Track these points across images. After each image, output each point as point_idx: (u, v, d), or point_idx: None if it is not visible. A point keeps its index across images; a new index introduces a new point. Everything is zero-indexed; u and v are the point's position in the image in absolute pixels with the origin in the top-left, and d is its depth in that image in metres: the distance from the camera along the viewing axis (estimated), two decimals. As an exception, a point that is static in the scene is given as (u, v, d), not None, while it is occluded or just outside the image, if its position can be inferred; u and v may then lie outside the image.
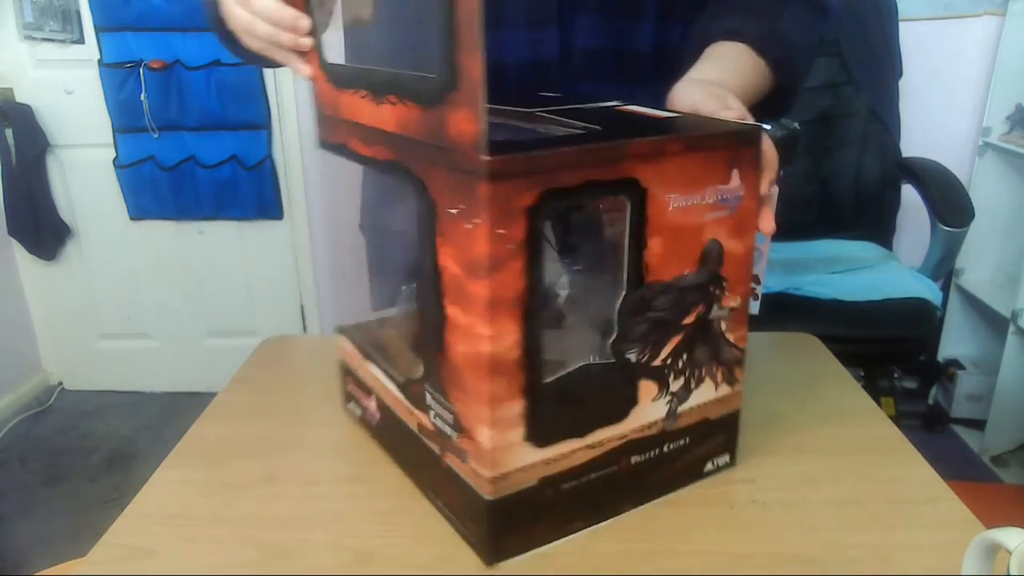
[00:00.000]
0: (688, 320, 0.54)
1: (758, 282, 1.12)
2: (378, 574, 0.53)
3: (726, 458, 0.61)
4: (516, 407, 0.48)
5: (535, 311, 0.47)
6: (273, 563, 0.55)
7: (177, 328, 2.54)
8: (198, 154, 2.29)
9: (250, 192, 2.33)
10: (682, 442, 0.57)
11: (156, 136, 2.26)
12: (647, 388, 0.54)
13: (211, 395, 0.78)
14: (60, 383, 2.61)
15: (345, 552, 0.55)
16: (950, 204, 1.62)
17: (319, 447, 0.69)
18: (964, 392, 2.16)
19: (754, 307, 1.19)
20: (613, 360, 0.52)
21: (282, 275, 2.46)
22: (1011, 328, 1.90)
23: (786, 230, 1.38)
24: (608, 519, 0.57)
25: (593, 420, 0.53)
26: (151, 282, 2.49)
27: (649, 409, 0.55)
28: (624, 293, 0.51)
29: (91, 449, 2.26)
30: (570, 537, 0.55)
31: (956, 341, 2.25)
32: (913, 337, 1.60)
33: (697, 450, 0.59)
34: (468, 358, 0.48)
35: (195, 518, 0.60)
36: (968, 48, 2.06)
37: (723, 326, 0.56)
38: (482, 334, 0.46)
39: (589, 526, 0.56)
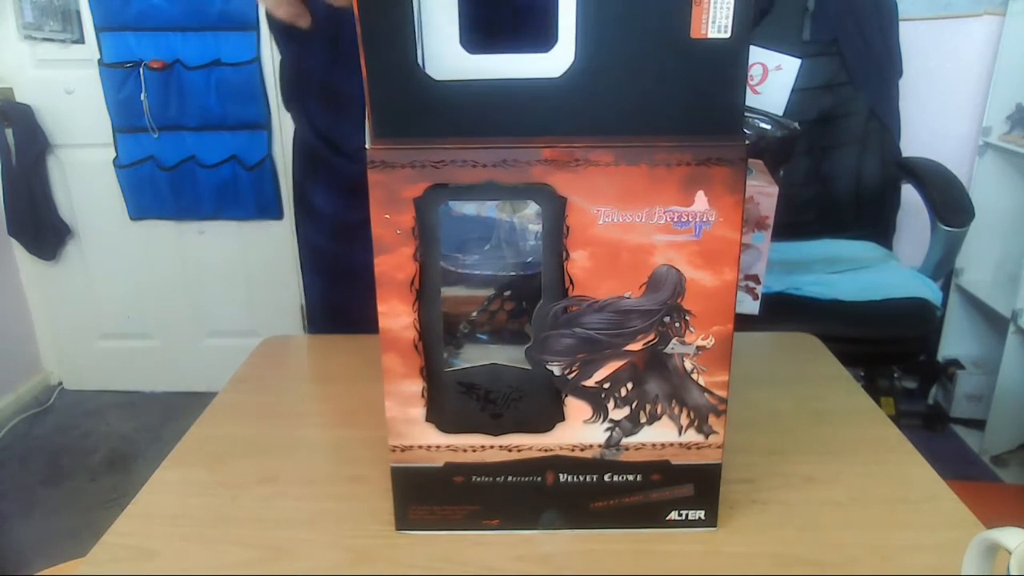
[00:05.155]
0: (632, 347, 0.51)
1: (758, 282, 1.12)
2: (378, 574, 0.53)
3: (699, 514, 0.56)
4: (414, 386, 0.52)
5: (432, 298, 0.50)
6: (273, 563, 0.55)
7: (177, 328, 2.53)
8: (198, 154, 2.29)
9: (250, 192, 2.33)
10: (631, 478, 0.55)
11: (156, 136, 2.26)
12: (577, 407, 0.53)
13: (211, 395, 0.78)
14: (60, 383, 2.61)
15: (345, 552, 0.55)
16: (950, 204, 1.62)
17: (319, 447, 0.69)
18: (964, 392, 2.16)
19: (754, 307, 1.19)
20: (528, 367, 0.52)
21: (282, 275, 2.46)
22: (1011, 328, 1.90)
23: (786, 230, 1.38)
24: (539, 530, 0.56)
25: (507, 423, 0.53)
26: (151, 282, 2.48)
27: (580, 430, 0.53)
28: (540, 302, 0.50)
29: (91, 449, 2.26)
30: (519, 531, 0.56)
31: (956, 341, 2.25)
32: (913, 337, 1.60)
33: (653, 492, 0.55)
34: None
35: (195, 518, 0.60)
36: (968, 48, 2.06)
37: (687, 365, 0.52)
38: (380, 309, 0.51)
39: (512, 529, 0.56)
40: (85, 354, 2.58)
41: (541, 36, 0.47)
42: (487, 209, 0.60)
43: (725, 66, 0.46)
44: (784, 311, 1.52)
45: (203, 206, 2.35)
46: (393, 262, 0.49)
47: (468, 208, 0.59)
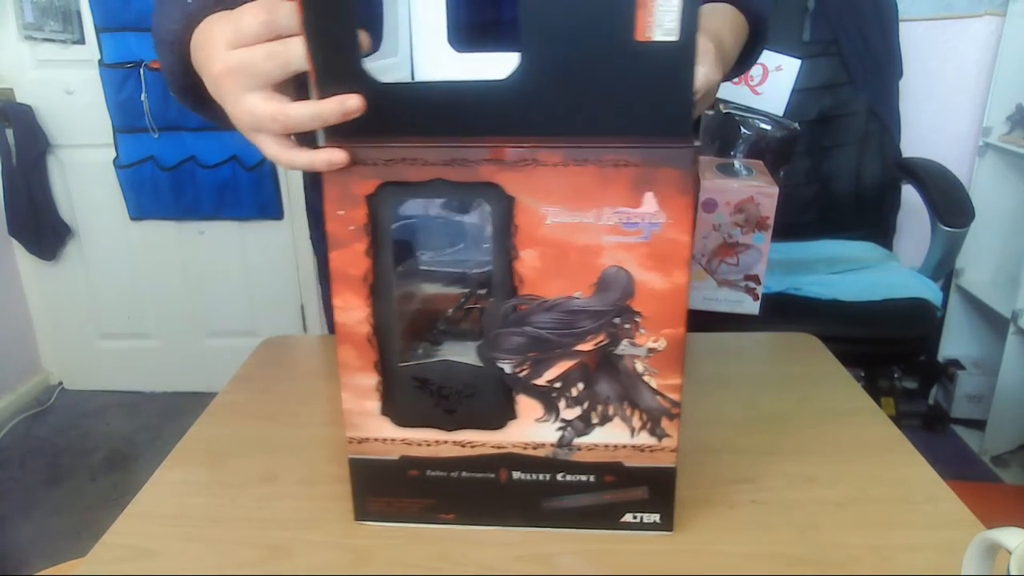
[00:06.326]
0: (583, 347, 0.51)
1: (758, 282, 1.12)
2: (378, 574, 0.53)
3: (655, 517, 0.56)
4: (369, 379, 0.54)
5: (385, 293, 0.51)
6: (273, 563, 0.55)
7: (177, 328, 2.53)
8: (198, 154, 2.29)
9: (250, 192, 2.33)
10: (583, 478, 0.55)
11: (156, 136, 2.26)
12: (528, 405, 0.53)
13: (211, 395, 0.78)
14: (60, 383, 2.61)
15: (345, 552, 0.55)
16: (950, 204, 1.62)
17: (319, 447, 0.69)
18: (964, 392, 2.16)
19: (754, 307, 1.19)
20: (480, 364, 0.52)
21: (282, 275, 2.46)
22: (1011, 328, 1.90)
23: (786, 230, 1.38)
24: (493, 525, 0.57)
25: (460, 419, 0.54)
26: (151, 282, 2.48)
27: (533, 428, 0.54)
28: (491, 300, 0.51)
29: (91, 449, 2.26)
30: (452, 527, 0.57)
31: (956, 341, 2.24)
32: (913, 337, 1.60)
33: (606, 493, 0.55)
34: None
35: (195, 518, 0.60)
36: (968, 48, 2.06)
37: (639, 367, 0.52)
38: (335, 303, 0.52)
39: (466, 524, 0.57)
40: (85, 354, 2.58)
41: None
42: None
43: (672, 69, 0.45)
44: (784, 311, 1.51)
45: (203, 206, 2.35)
46: (347, 257, 0.50)
47: (436, 208, 0.61)
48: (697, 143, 0.47)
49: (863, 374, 1.70)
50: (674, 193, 0.47)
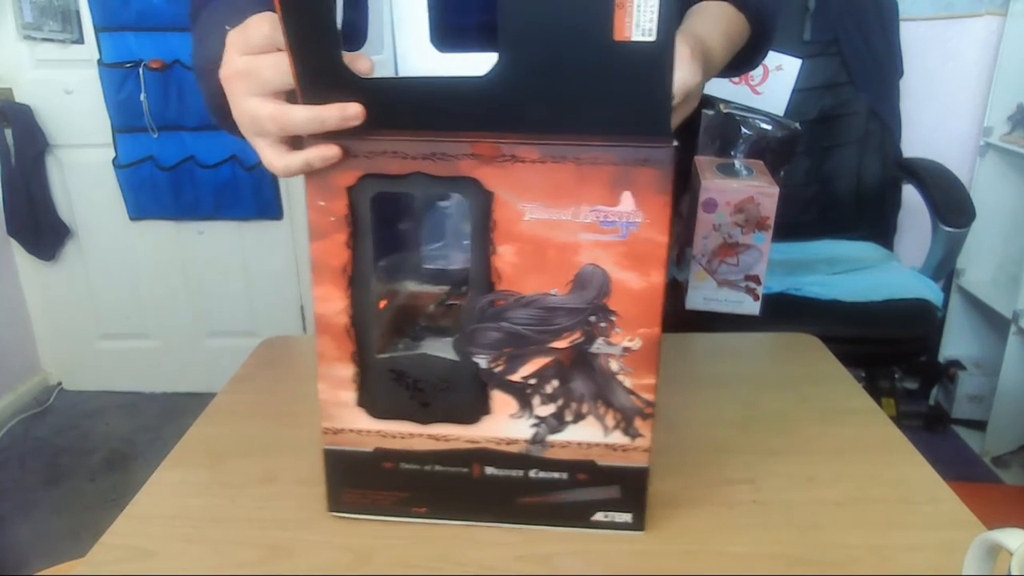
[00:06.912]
0: (558, 344, 0.51)
1: (759, 282, 1.12)
2: (378, 574, 0.53)
3: (626, 517, 0.56)
4: (345, 370, 0.54)
5: (364, 285, 0.51)
6: (273, 563, 0.55)
7: (177, 328, 2.53)
8: (198, 154, 2.29)
9: (250, 192, 2.33)
10: (556, 475, 0.55)
11: (156, 136, 2.26)
12: (503, 401, 0.53)
13: (211, 395, 0.78)
14: (60, 383, 2.61)
15: (345, 552, 0.55)
16: (951, 204, 1.62)
17: (319, 447, 0.69)
18: (965, 393, 2.15)
19: (754, 307, 1.19)
20: (456, 359, 0.52)
21: (282, 275, 2.46)
22: (1012, 329, 1.90)
23: (786, 230, 1.38)
24: (466, 520, 0.57)
25: (435, 413, 0.54)
26: (151, 282, 2.48)
27: (506, 424, 0.54)
28: (469, 294, 0.51)
29: (91, 449, 2.26)
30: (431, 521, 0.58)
31: (957, 342, 2.24)
32: (914, 337, 1.60)
33: (579, 492, 0.55)
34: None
35: (195, 518, 0.60)
36: (969, 48, 2.06)
37: (613, 366, 0.51)
38: (315, 294, 0.52)
39: (439, 518, 0.57)
40: (85, 354, 2.58)
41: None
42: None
43: (650, 69, 0.45)
44: (785, 311, 1.51)
45: (203, 206, 2.35)
46: (328, 248, 0.51)
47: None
48: (675, 143, 0.47)
49: (863, 374, 1.70)
50: (652, 193, 0.47)
